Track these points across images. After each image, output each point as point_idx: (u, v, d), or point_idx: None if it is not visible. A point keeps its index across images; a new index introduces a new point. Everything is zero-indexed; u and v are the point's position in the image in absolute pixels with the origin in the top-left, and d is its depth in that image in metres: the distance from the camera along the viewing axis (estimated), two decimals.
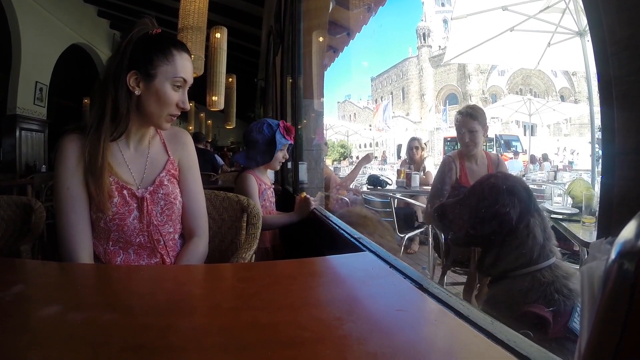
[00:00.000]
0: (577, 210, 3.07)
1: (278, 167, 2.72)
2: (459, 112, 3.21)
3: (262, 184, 2.54)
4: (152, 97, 1.48)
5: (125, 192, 1.51)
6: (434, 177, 3.93)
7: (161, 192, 1.57)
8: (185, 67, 1.53)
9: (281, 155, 2.58)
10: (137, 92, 1.47)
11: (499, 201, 1.64)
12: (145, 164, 1.59)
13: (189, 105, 1.56)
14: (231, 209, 1.93)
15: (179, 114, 1.56)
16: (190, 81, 1.55)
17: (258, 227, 1.84)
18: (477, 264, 1.71)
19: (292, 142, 2.64)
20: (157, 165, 1.61)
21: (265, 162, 2.56)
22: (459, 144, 3.25)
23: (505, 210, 1.62)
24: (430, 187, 5.36)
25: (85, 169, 1.44)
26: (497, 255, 1.63)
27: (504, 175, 1.87)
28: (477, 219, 1.72)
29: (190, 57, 1.59)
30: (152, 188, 1.56)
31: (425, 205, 4.83)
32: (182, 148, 1.70)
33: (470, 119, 3.12)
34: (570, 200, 3.49)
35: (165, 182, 1.59)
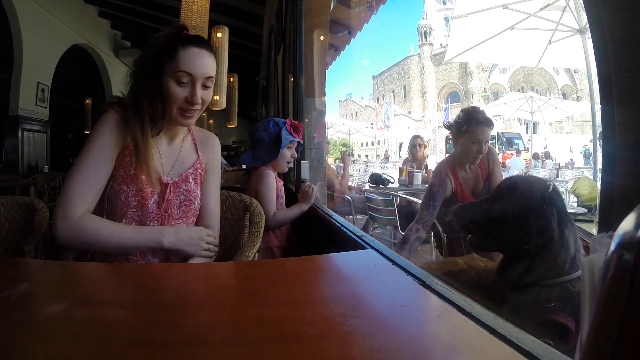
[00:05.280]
0: (585, 210, 3.00)
1: (286, 169, 2.62)
2: (480, 122, 2.70)
3: (278, 182, 2.54)
4: (163, 95, 1.52)
5: (152, 174, 1.53)
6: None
7: (184, 187, 1.62)
8: (190, 61, 1.51)
9: (289, 153, 2.54)
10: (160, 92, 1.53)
11: (539, 211, 1.53)
12: (176, 160, 1.66)
13: (198, 99, 1.53)
14: (234, 207, 1.94)
15: (194, 108, 1.55)
16: (201, 74, 1.53)
17: (261, 226, 1.85)
18: (500, 271, 1.63)
19: (301, 140, 2.58)
20: (186, 163, 1.67)
21: (270, 159, 2.50)
22: (464, 155, 2.80)
23: (546, 222, 1.51)
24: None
25: (122, 147, 1.51)
26: (529, 265, 1.51)
27: (539, 180, 1.76)
28: (510, 224, 1.61)
29: (206, 51, 1.57)
30: (177, 179, 1.61)
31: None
32: (211, 151, 1.77)
33: (489, 129, 2.73)
34: (574, 198, 3.45)
35: (190, 180, 1.64)
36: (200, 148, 1.74)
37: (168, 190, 1.57)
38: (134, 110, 1.52)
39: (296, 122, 2.56)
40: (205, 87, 1.56)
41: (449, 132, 2.95)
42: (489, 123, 2.73)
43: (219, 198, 1.78)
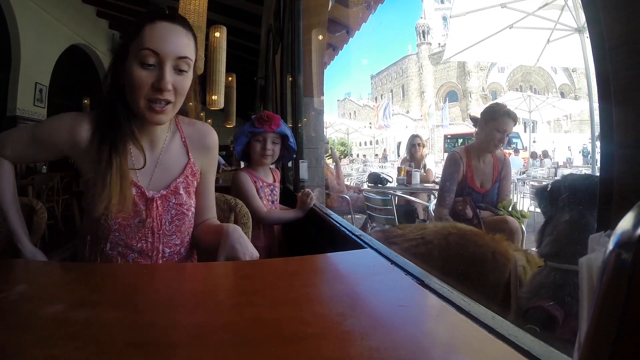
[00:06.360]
0: None
1: (264, 161, 2.51)
2: (507, 114, 2.99)
3: (257, 181, 2.50)
4: (126, 81, 1.27)
5: (134, 189, 1.34)
6: (440, 173, 3.78)
7: (174, 200, 1.40)
8: (157, 36, 1.23)
9: (259, 145, 2.46)
10: (122, 82, 1.29)
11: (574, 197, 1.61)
12: (161, 167, 1.41)
13: (167, 84, 1.23)
14: (218, 208, 1.90)
15: (163, 97, 1.25)
16: (171, 52, 1.24)
17: (249, 227, 1.83)
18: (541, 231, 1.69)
19: (269, 130, 2.44)
20: (174, 169, 1.44)
21: (239, 156, 2.53)
22: (487, 142, 3.03)
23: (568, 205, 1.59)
24: (431, 184, 5.38)
25: (73, 154, 1.34)
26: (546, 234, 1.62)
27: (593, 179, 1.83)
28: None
29: (180, 26, 1.29)
30: (165, 192, 1.39)
31: (427, 202, 4.84)
32: (206, 153, 1.52)
33: (514, 123, 2.99)
34: None
35: (181, 191, 1.42)
36: (192, 149, 1.47)
37: (154, 205, 1.37)
38: (98, 116, 1.34)
39: (266, 113, 2.48)
40: (179, 71, 1.27)
41: (473, 124, 3.22)
42: (514, 117, 3.00)
43: (214, 191, 1.64)
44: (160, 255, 1.40)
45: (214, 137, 1.54)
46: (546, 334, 1.29)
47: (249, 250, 1.30)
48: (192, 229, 1.51)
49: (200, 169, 1.50)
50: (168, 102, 1.26)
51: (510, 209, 2.86)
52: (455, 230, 2.02)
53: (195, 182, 1.49)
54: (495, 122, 2.96)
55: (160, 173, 1.41)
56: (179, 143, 1.47)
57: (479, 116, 3.11)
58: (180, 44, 1.26)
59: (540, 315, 1.40)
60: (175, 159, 1.44)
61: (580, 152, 24.73)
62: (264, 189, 2.53)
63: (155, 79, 1.22)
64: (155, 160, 1.41)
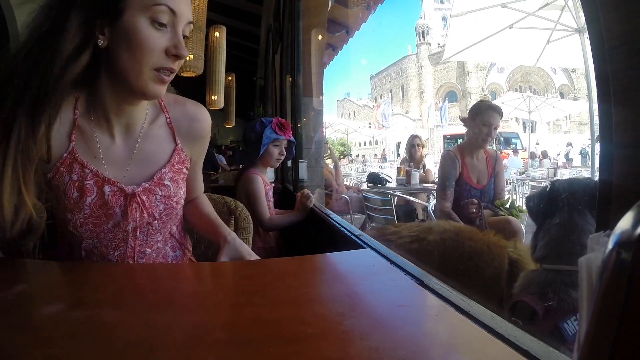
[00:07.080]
0: None
1: (276, 164, 2.66)
2: (491, 107, 3.10)
3: (266, 185, 2.56)
4: (123, 44, 0.99)
5: (107, 188, 1.12)
6: (436, 173, 3.85)
7: (160, 192, 1.18)
8: None
9: (276, 151, 2.56)
10: (101, 43, 0.99)
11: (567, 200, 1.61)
12: (131, 157, 1.16)
13: (185, 51, 1.03)
14: (217, 210, 1.84)
15: (174, 67, 1.04)
16: (186, 14, 1.04)
17: (250, 232, 1.77)
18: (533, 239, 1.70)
19: (288, 138, 2.59)
20: (156, 157, 1.20)
21: (255, 157, 2.55)
22: (475, 138, 3.12)
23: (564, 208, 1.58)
24: (430, 185, 5.39)
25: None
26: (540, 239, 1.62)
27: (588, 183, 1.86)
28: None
29: None
30: (147, 185, 1.16)
31: (426, 203, 4.85)
32: (200, 139, 1.29)
33: (499, 117, 3.07)
34: None
35: (167, 182, 1.18)
36: (180, 134, 1.23)
37: (137, 202, 1.14)
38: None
39: (283, 121, 2.59)
40: (184, 37, 1.06)
41: (463, 123, 3.28)
42: (499, 110, 3.11)
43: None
44: (138, 261, 1.22)
45: (207, 122, 1.30)
46: (528, 328, 1.31)
47: (253, 254, 1.31)
48: (176, 219, 1.34)
49: (190, 157, 1.28)
50: (173, 72, 1.06)
51: (508, 206, 2.91)
52: (451, 227, 2.09)
53: (185, 170, 1.26)
54: (481, 116, 3.06)
55: (138, 163, 1.17)
56: (163, 126, 1.22)
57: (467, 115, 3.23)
58: (189, 5, 1.07)
59: (523, 308, 1.42)
60: (159, 146, 1.20)
61: (579, 152, 24.82)
62: (269, 191, 2.60)
63: (170, 43, 1.01)
64: (130, 148, 1.16)
